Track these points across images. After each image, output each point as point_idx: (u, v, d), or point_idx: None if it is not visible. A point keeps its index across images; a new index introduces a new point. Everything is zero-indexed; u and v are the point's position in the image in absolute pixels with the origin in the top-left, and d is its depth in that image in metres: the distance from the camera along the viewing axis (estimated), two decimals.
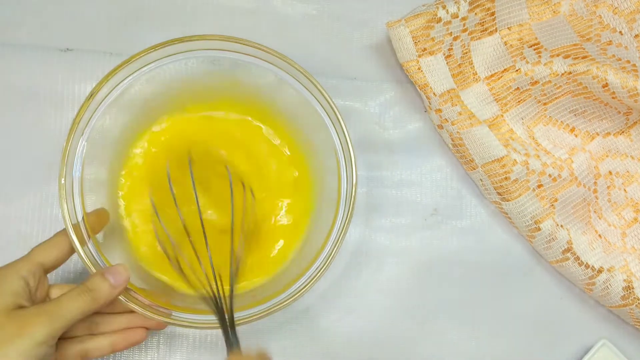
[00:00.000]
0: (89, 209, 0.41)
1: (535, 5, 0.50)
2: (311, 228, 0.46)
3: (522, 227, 0.49)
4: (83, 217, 0.40)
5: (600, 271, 0.47)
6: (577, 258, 0.47)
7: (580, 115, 0.50)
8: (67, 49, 0.49)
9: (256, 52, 0.42)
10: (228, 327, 0.38)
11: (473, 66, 0.50)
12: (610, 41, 0.49)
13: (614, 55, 0.48)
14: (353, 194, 0.42)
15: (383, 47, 0.51)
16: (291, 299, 0.40)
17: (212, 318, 0.40)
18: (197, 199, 0.41)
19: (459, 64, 0.49)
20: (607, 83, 0.46)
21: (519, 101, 0.50)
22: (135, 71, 0.41)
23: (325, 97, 0.42)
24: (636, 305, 0.47)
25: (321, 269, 0.41)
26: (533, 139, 0.50)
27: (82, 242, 0.39)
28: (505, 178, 0.47)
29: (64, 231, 0.39)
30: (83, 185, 0.41)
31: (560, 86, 0.48)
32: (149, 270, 0.44)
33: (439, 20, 0.47)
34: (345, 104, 0.50)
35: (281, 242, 0.46)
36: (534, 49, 0.49)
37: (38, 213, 0.47)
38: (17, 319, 0.34)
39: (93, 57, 0.48)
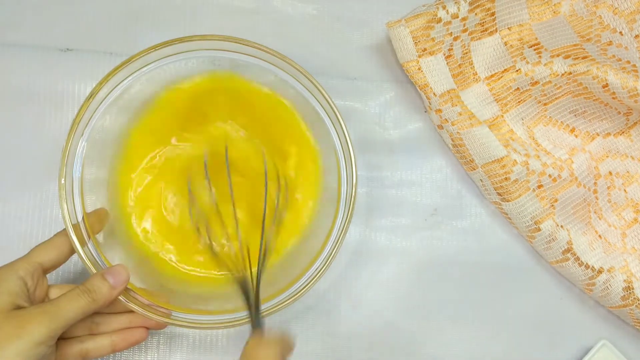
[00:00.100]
0: (89, 209, 0.41)
1: (535, 6, 0.50)
2: (311, 228, 0.46)
3: (522, 227, 0.49)
4: (83, 217, 0.40)
5: (600, 271, 0.47)
6: (577, 258, 0.47)
7: (580, 116, 0.50)
8: (67, 49, 0.49)
9: (256, 52, 0.42)
10: (253, 307, 0.38)
11: (473, 66, 0.50)
12: (611, 41, 0.49)
13: (614, 56, 0.48)
14: (353, 194, 0.42)
15: (383, 47, 0.51)
16: (291, 299, 0.40)
17: (212, 318, 0.40)
18: (229, 177, 0.42)
19: (459, 64, 0.49)
20: (607, 83, 0.46)
21: (519, 101, 0.50)
22: (135, 71, 0.42)
23: (325, 97, 0.42)
24: (636, 306, 0.47)
25: (321, 269, 0.41)
26: (533, 139, 0.50)
27: (82, 243, 0.39)
28: (505, 178, 0.47)
29: (64, 231, 0.39)
30: (83, 185, 0.41)
31: (561, 86, 0.48)
32: (150, 271, 0.44)
33: (439, 20, 0.47)
34: (345, 104, 0.50)
35: (281, 241, 0.46)
36: (534, 49, 0.49)
37: (38, 213, 0.47)
38: (16, 319, 0.34)
39: (93, 57, 0.48)
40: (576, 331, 0.50)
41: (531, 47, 0.49)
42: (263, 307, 0.40)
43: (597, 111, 0.49)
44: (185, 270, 0.45)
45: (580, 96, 0.48)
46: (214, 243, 0.43)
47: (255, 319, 0.38)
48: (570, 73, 0.47)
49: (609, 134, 0.50)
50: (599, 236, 0.49)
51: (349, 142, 0.42)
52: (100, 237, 0.41)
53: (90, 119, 0.41)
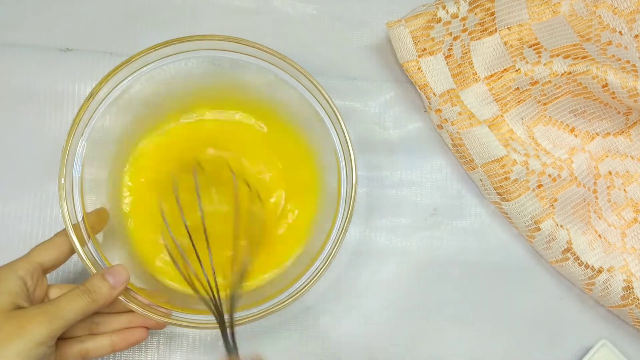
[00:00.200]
0: (89, 209, 0.41)
1: (535, 6, 0.50)
2: (311, 228, 0.46)
3: (522, 227, 0.49)
4: (83, 217, 0.40)
5: (600, 271, 0.47)
6: (577, 258, 0.47)
7: (580, 116, 0.50)
8: (67, 49, 0.49)
9: (256, 52, 0.42)
10: (227, 331, 0.38)
11: (473, 66, 0.50)
12: (610, 41, 0.49)
13: (613, 56, 0.48)
14: (353, 194, 0.42)
15: (383, 47, 0.51)
16: (291, 299, 0.40)
17: (212, 318, 0.40)
18: (200, 203, 0.41)
19: (459, 64, 0.49)
20: (607, 83, 0.46)
21: (518, 101, 0.50)
22: (135, 71, 0.41)
23: (325, 97, 0.42)
24: (636, 305, 0.47)
25: (321, 269, 0.41)
26: (533, 139, 0.50)
27: (82, 243, 0.39)
28: (505, 178, 0.47)
29: (64, 231, 0.39)
30: (83, 185, 0.41)
31: (560, 86, 0.48)
32: (149, 271, 0.44)
33: (439, 20, 0.47)
34: (345, 104, 0.50)
35: (283, 243, 0.46)
36: (534, 49, 0.49)
37: (38, 213, 0.47)
38: (16, 319, 0.34)
39: (93, 57, 0.48)
40: (576, 331, 0.50)
41: (531, 47, 0.49)
42: (263, 306, 0.40)
43: (597, 111, 0.49)
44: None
45: (580, 96, 0.48)
46: (190, 276, 0.41)
47: (229, 345, 0.38)
48: (570, 73, 0.47)
49: (608, 133, 0.50)
50: (599, 236, 0.49)
51: (349, 142, 0.42)
52: (100, 237, 0.41)
53: (90, 119, 0.41)
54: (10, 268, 0.37)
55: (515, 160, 0.47)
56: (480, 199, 0.51)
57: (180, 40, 0.41)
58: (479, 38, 0.49)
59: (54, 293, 0.39)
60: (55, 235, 0.39)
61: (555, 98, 0.49)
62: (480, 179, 0.49)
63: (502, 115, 0.50)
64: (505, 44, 0.49)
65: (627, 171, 0.50)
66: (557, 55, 0.48)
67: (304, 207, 0.46)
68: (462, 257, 0.50)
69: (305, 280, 0.41)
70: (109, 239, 0.42)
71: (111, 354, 0.44)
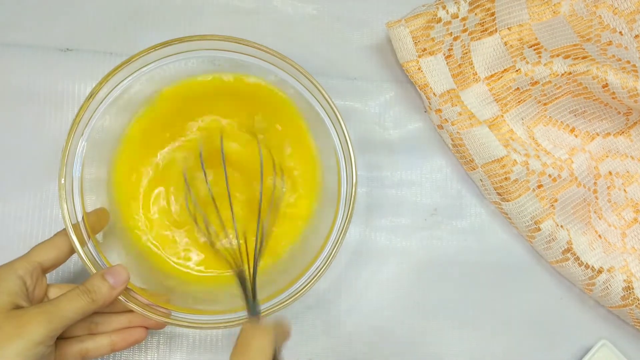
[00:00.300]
0: (89, 209, 0.41)
1: (535, 6, 0.50)
2: (311, 228, 0.46)
3: (522, 227, 0.49)
4: (83, 217, 0.40)
5: (600, 271, 0.47)
6: (577, 258, 0.47)
7: (580, 116, 0.50)
8: (67, 49, 0.49)
9: (256, 52, 0.42)
10: (250, 293, 0.39)
11: (473, 66, 0.50)
12: (610, 41, 0.49)
13: (614, 56, 0.48)
14: (353, 194, 0.42)
15: (383, 47, 0.51)
16: (291, 299, 0.40)
17: (212, 318, 0.40)
18: (225, 166, 0.42)
19: (459, 64, 0.49)
20: (607, 83, 0.46)
21: (519, 101, 0.50)
22: (135, 71, 0.42)
23: (325, 97, 0.42)
24: (636, 306, 0.47)
25: (321, 269, 0.41)
26: (533, 139, 0.50)
27: (82, 242, 0.39)
28: (505, 178, 0.47)
29: (64, 231, 0.39)
30: (83, 185, 0.41)
31: (560, 86, 0.48)
32: (152, 268, 0.44)
33: (439, 20, 0.47)
34: (345, 104, 0.50)
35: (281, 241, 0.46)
36: (534, 49, 0.49)
37: (38, 213, 0.47)
38: (15, 319, 0.34)
39: (93, 57, 0.48)
40: (576, 331, 0.50)
41: (531, 47, 0.49)
42: (263, 307, 0.40)
43: (597, 111, 0.49)
44: (185, 269, 0.45)
45: (580, 96, 0.48)
46: (211, 234, 0.43)
47: (252, 306, 0.38)
48: (570, 73, 0.47)
49: (608, 133, 0.50)
50: (599, 236, 0.49)
51: (349, 142, 0.42)
52: (100, 237, 0.41)
53: (90, 119, 0.41)
54: (9, 267, 0.37)
55: (515, 160, 0.47)
56: (480, 199, 0.51)
57: (180, 40, 0.41)
58: (479, 38, 0.49)
59: (53, 293, 0.39)
60: (55, 235, 0.40)
61: (556, 98, 0.49)
62: (481, 179, 0.49)
63: (502, 116, 0.50)
64: (505, 44, 0.49)
65: (627, 171, 0.50)
66: (558, 56, 0.48)
67: (304, 207, 0.46)
68: (462, 257, 0.50)
69: (305, 280, 0.41)
70: (109, 239, 0.42)
71: (111, 354, 0.45)
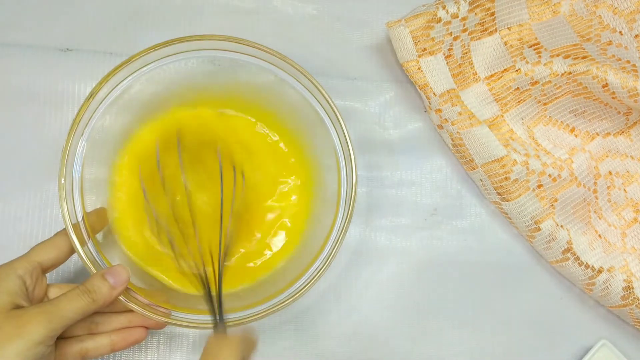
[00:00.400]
0: (89, 209, 0.41)
1: (535, 6, 0.50)
2: (311, 228, 0.46)
3: (522, 227, 0.49)
4: (83, 217, 0.40)
5: (600, 271, 0.47)
6: (577, 258, 0.47)
7: (580, 116, 0.50)
8: (67, 49, 0.49)
9: (256, 52, 0.42)
10: (214, 306, 0.38)
11: (473, 66, 0.50)
12: (610, 41, 0.49)
13: (613, 56, 0.48)
14: (353, 194, 0.42)
15: (383, 47, 0.51)
16: (291, 299, 0.40)
17: (212, 318, 0.40)
18: (184, 180, 0.41)
19: (459, 64, 0.49)
20: (607, 83, 0.46)
21: (519, 101, 0.50)
22: (135, 71, 0.42)
23: (325, 97, 0.42)
24: (636, 306, 0.47)
25: (321, 269, 0.41)
26: (533, 139, 0.50)
27: (82, 242, 0.39)
28: (505, 178, 0.47)
29: (64, 231, 0.39)
30: (83, 185, 0.41)
31: (560, 86, 0.48)
32: (146, 269, 0.44)
33: (439, 20, 0.47)
34: (345, 104, 0.50)
35: (281, 241, 0.46)
36: (534, 49, 0.49)
37: (38, 213, 0.47)
38: (16, 319, 0.34)
39: (93, 57, 0.48)
40: (576, 331, 0.50)
41: (531, 47, 0.49)
42: (263, 306, 0.40)
43: (597, 111, 0.49)
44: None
45: (580, 96, 0.48)
46: (173, 245, 0.42)
47: (218, 317, 0.38)
48: (570, 73, 0.47)
49: (608, 133, 0.50)
50: (599, 236, 0.49)
51: (348, 142, 0.42)
52: (100, 236, 0.41)
53: (90, 119, 0.41)
54: (9, 267, 0.37)
55: (515, 160, 0.47)
56: (480, 199, 0.51)
57: (180, 40, 0.41)
58: (479, 38, 0.49)
59: (53, 292, 0.39)
60: (55, 234, 0.39)
61: (556, 98, 0.49)
62: (481, 179, 0.49)
63: (502, 115, 0.50)
64: (505, 44, 0.49)
65: (627, 171, 0.50)
66: (557, 55, 0.48)
67: (304, 207, 0.46)
68: (462, 257, 0.50)
69: (305, 280, 0.41)
70: (109, 238, 0.42)
71: (111, 354, 0.45)
